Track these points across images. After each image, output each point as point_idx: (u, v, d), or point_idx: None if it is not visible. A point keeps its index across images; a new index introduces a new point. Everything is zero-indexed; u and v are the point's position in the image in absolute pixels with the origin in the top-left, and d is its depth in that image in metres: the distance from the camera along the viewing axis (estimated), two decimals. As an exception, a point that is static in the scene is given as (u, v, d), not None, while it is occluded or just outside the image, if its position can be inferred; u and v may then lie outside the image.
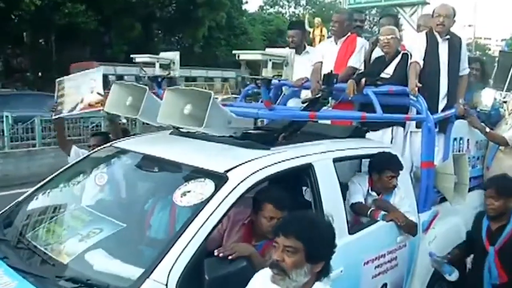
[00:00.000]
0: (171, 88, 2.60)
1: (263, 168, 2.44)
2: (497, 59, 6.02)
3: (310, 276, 1.78)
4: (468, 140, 4.14)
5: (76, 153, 3.79)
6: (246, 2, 32.81)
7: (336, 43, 4.28)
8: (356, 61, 4.09)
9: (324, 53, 4.31)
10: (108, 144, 3.14)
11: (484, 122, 4.31)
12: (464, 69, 4.06)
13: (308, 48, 4.60)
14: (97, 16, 20.99)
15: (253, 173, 2.37)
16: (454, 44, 3.93)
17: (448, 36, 3.92)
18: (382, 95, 3.58)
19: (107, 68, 16.92)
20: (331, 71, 2.89)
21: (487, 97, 4.27)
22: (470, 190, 4.26)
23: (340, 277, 2.49)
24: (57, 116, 3.61)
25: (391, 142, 3.75)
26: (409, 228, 3.09)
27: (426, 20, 4.36)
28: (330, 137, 3.19)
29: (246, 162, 2.44)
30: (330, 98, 3.94)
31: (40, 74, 20.83)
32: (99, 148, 3.16)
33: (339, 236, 1.95)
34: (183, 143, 2.89)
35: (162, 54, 3.36)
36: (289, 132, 3.07)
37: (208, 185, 2.29)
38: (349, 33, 4.28)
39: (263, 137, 2.82)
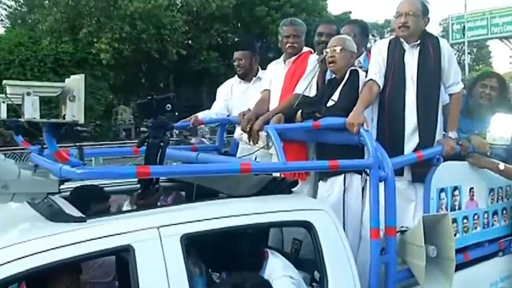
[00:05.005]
0: None
1: (30, 255, 1.59)
2: None
3: None
4: (471, 189, 2.88)
5: None
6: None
7: (285, 63, 3.29)
8: (304, 86, 3.04)
9: (272, 78, 3.35)
10: None
11: (504, 161, 3.01)
12: (452, 85, 2.85)
13: (260, 72, 3.64)
14: (224, 61, 22.49)
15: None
16: (428, 50, 2.78)
17: (418, 41, 2.79)
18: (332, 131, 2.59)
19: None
20: (152, 96, 1.98)
21: (502, 126, 2.95)
22: (485, 258, 3.02)
23: None
24: None
25: (344, 194, 2.69)
26: None
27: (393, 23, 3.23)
28: (226, 196, 2.24)
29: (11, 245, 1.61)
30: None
31: (176, 113, 23.32)
32: None
33: None
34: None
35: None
36: (143, 189, 2.19)
37: None
38: (302, 51, 3.28)
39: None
